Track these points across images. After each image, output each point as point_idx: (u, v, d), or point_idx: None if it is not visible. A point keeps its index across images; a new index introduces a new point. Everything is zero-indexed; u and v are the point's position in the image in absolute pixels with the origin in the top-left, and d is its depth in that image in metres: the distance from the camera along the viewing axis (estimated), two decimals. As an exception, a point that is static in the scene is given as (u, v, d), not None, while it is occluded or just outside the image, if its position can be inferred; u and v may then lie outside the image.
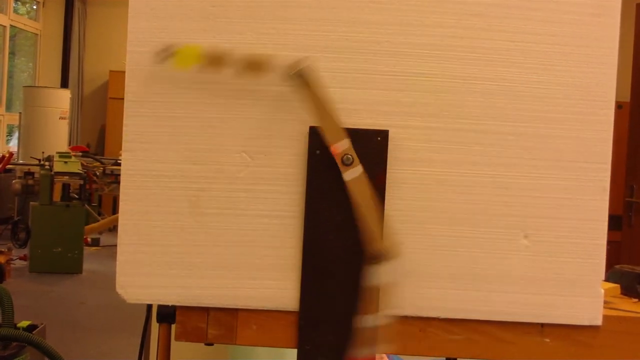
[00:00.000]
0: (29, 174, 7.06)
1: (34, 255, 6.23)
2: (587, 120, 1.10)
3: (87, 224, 6.76)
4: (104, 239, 7.79)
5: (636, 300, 1.30)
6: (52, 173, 6.47)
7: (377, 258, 1.03)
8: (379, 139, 1.08)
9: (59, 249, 6.23)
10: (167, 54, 1.05)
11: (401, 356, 1.70)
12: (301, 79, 1.04)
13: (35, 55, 10.22)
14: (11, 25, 9.43)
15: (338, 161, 1.05)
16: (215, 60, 1.05)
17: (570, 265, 1.10)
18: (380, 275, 1.03)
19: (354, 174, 1.05)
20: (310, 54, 1.09)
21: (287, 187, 1.09)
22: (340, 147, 1.05)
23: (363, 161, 1.06)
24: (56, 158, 6.75)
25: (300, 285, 1.09)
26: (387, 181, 1.08)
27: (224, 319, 1.11)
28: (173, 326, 1.14)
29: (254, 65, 1.05)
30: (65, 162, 6.66)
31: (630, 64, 4.62)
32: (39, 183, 6.46)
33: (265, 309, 1.10)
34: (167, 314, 1.14)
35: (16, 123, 9.11)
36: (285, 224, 1.09)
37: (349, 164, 1.06)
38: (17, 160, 8.46)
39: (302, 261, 1.08)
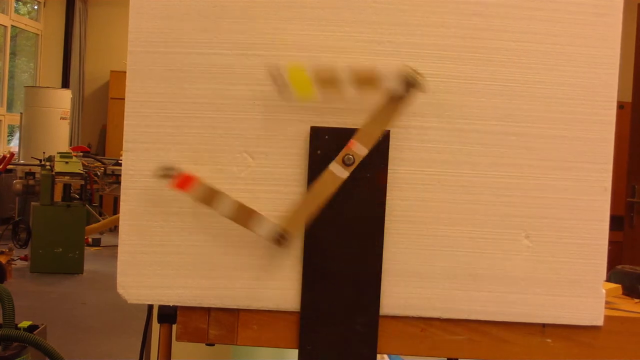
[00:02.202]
0: (30, 174, 7.06)
1: (34, 256, 6.23)
2: (589, 121, 1.09)
3: (88, 224, 6.76)
4: (105, 239, 7.79)
5: (638, 300, 1.30)
6: (53, 173, 6.47)
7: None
8: (380, 139, 1.08)
9: (60, 249, 6.23)
10: (279, 78, 1.05)
11: (402, 356, 1.70)
12: (408, 85, 1.03)
13: (36, 55, 10.22)
14: (12, 26, 9.43)
15: (339, 158, 1.05)
16: (327, 83, 1.05)
17: (572, 266, 1.10)
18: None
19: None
20: (312, 53, 1.08)
21: (288, 187, 1.09)
22: (356, 148, 1.05)
23: (364, 161, 1.06)
24: (57, 158, 6.75)
25: (301, 285, 1.09)
26: (388, 181, 1.08)
27: (225, 319, 1.11)
28: (174, 326, 1.14)
29: (367, 80, 1.04)
30: (66, 162, 6.66)
31: (631, 64, 4.62)
32: (40, 183, 6.46)
33: (266, 309, 1.10)
34: (168, 314, 1.14)
35: (17, 123, 9.12)
36: (286, 224, 1.09)
37: (349, 164, 1.05)
38: (18, 160, 8.46)
39: (303, 261, 1.08)
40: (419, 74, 1.02)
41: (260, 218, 1.05)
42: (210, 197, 1.05)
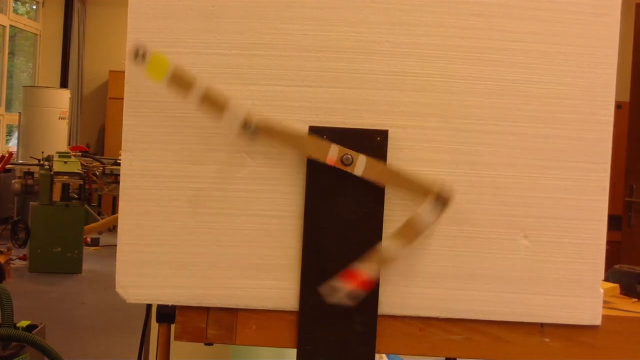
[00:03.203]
0: (29, 173, 7.05)
1: (33, 255, 6.22)
2: (587, 120, 1.10)
3: (86, 223, 6.75)
4: (104, 239, 7.78)
5: (636, 300, 1.30)
6: (52, 173, 6.46)
7: (443, 199, 1.03)
8: (378, 139, 1.08)
9: (59, 249, 6.23)
10: (140, 55, 1.05)
11: (401, 356, 1.70)
12: (253, 130, 1.04)
13: (35, 55, 10.21)
14: (11, 25, 9.42)
15: (340, 167, 1.05)
16: (179, 82, 1.05)
17: (570, 265, 1.10)
18: (433, 215, 1.03)
19: (361, 167, 1.05)
20: (312, 53, 1.09)
21: (286, 187, 1.09)
22: (333, 155, 1.05)
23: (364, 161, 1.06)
24: (56, 158, 6.74)
25: (300, 285, 1.09)
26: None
27: (223, 318, 1.11)
28: (173, 326, 1.14)
29: (212, 102, 1.05)
30: (65, 162, 6.65)
31: (629, 63, 4.62)
32: (39, 183, 6.45)
33: (265, 308, 1.10)
34: (167, 313, 1.14)
35: (16, 123, 9.11)
36: (285, 223, 1.09)
37: (349, 164, 1.06)
38: (17, 160, 8.45)
39: (302, 261, 1.08)
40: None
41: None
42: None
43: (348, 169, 1.06)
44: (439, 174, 1.09)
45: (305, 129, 1.08)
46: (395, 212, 1.08)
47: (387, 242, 1.04)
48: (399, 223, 1.08)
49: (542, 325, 1.11)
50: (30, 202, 6.52)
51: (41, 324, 2.86)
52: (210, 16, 1.09)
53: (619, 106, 1.20)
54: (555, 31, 1.09)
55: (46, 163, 6.83)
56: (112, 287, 1.11)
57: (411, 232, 1.03)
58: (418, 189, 1.05)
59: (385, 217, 1.08)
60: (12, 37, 9.75)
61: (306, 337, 1.09)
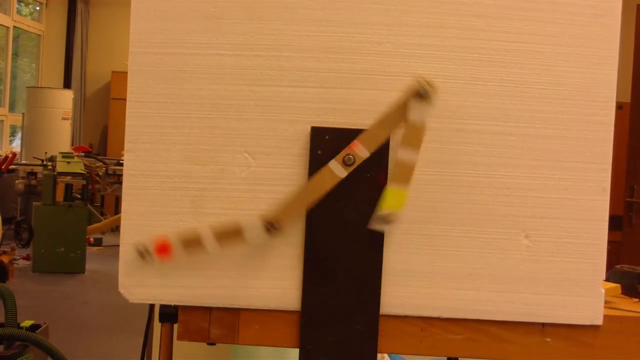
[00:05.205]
0: (32, 174, 7.07)
1: (36, 255, 6.24)
2: (588, 121, 1.10)
3: (89, 224, 6.76)
4: (107, 239, 7.79)
5: (637, 300, 1.30)
6: (55, 173, 6.48)
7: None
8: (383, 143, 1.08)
9: (62, 249, 6.24)
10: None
11: (402, 355, 1.71)
12: (420, 96, 1.03)
13: (38, 56, 10.23)
14: (14, 27, 9.44)
15: (344, 167, 1.05)
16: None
17: (571, 265, 1.10)
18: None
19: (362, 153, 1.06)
20: (313, 54, 1.09)
21: (288, 188, 1.09)
22: (358, 150, 1.05)
23: (364, 161, 1.06)
24: (59, 158, 6.75)
25: (302, 285, 1.09)
26: (388, 181, 1.08)
27: (226, 318, 1.12)
28: (175, 326, 1.15)
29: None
30: (68, 163, 6.67)
31: (630, 64, 4.62)
32: (42, 183, 6.46)
33: (267, 308, 1.11)
34: (170, 313, 1.15)
35: (19, 123, 9.12)
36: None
37: (350, 164, 1.06)
38: (20, 160, 8.47)
39: (304, 261, 1.09)
40: (431, 85, 1.02)
41: (244, 224, 1.06)
42: (193, 241, 1.06)
43: (346, 170, 1.06)
44: (439, 174, 1.09)
45: (307, 129, 1.08)
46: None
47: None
48: (399, 223, 1.08)
49: (543, 325, 1.12)
50: (34, 203, 6.54)
51: (44, 323, 2.87)
52: (211, 17, 1.10)
53: (620, 107, 1.20)
54: (556, 32, 1.09)
55: (49, 163, 6.85)
56: (114, 287, 1.11)
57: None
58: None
59: (386, 217, 1.08)
60: (15, 38, 9.77)
61: (308, 337, 1.09)
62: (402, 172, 1.03)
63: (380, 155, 1.07)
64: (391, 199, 1.03)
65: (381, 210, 1.03)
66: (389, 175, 1.06)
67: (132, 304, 1.12)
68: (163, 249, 1.06)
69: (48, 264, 6.23)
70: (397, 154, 1.04)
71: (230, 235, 1.06)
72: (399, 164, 1.04)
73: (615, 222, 1.59)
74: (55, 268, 6.21)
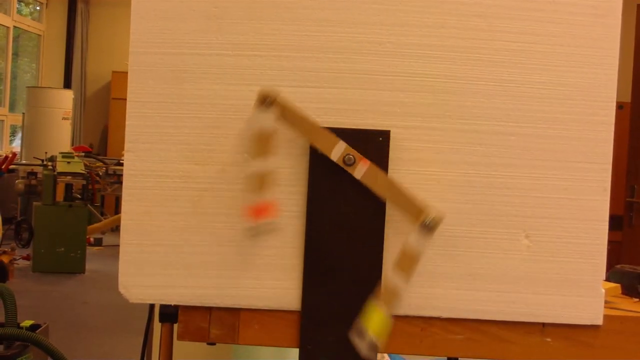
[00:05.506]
0: (32, 174, 7.06)
1: (37, 255, 6.24)
2: (588, 121, 1.10)
3: (89, 224, 6.76)
4: (107, 239, 7.79)
5: (637, 300, 1.30)
6: (55, 173, 6.47)
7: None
8: (380, 139, 1.08)
9: (62, 249, 6.24)
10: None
11: (402, 355, 1.71)
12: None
13: (39, 56, 10.22)
14: (14, 27, 9.44)
15: (342, 165, 1.06)
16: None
17: (571, 265, 1.10)
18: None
19: (361, 171, 1.06)
20: (313, 54, 1.09)
21: (289, 187, 1.09)
22: (338, 152, 1.05)
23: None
24: (59, 158, 6.75)
25: (302, 285, 1.09)
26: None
27: (226, 318, 1.12)
28: (175, 326, 1.15)
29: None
30: (68, 163, 6.67)
31: (630, 64, 4.62)
32: (42, 183, 6.46)
33: (267, 308, 1.11)
34: (170, 313, 1.15)
35: (19, 123, 9.12)
36: (287, 223, 1.10)
37: (351, 164, 1.06)
38: (20, 160, 8.47)
39: (304, 261, 1.09)
40: (440, 218, 1.02)
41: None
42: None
43: (349, 170, 1.06)
44: (440, 174, 1.09)
45: (307, 129, 1.08)
46: (397, 212, 1.09)
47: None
48: (401, 223, 1.08)
49: (543, 325, 1.12)
50: (34, 203, 6.53)
51: (44, 323, 2.87)
52: (212, 17, 1.10)
53: (620, 107, 1.20)
54: (556, 32, 1.09)
55: (49, 163, 6.85)
56: (115, 287, 1.11)
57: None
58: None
59: (387, 217, 1.08)
60: (15, 38, 9.77)
61: (308, 337, 1.09)
62: (389, 297, 1.03)
63: (380, 155, 1.07)
64: (377, 322, 1.02)
65: (367, 333, 1.02)
66: (378, 295, 1.05)
67: (132, 304, 1.12)
68: (262, 210, 1.05)
69: (48, 264, 6.23)
70: (388, 276, 1.04)
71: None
72: (387, 288, 1.03)
73: (615, 222, 1.59)
74: (56, 268, 6.20)
